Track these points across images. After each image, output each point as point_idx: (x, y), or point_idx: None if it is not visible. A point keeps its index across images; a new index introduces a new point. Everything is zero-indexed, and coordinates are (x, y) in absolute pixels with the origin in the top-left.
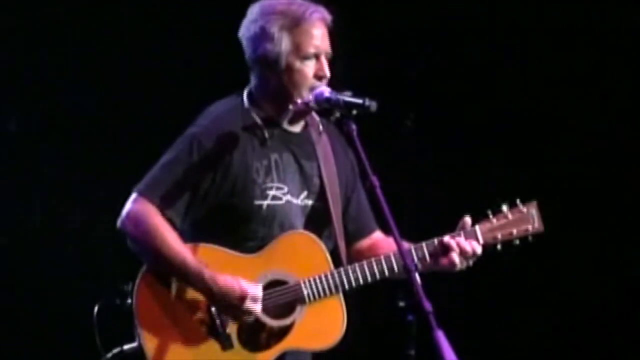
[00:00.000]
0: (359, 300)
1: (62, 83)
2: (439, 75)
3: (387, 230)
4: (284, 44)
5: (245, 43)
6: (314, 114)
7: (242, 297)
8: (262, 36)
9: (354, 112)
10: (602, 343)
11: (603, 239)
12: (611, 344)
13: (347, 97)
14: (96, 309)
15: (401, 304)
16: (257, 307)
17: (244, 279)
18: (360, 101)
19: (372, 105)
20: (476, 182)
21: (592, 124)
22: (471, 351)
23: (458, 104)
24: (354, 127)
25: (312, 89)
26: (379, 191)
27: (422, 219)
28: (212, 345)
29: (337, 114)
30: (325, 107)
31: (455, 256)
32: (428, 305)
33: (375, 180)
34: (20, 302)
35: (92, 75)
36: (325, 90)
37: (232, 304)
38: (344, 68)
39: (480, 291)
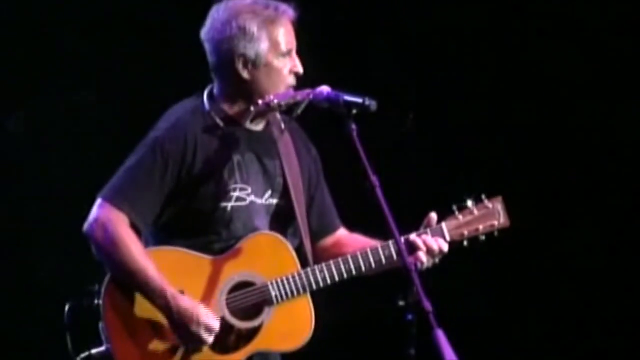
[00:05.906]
0: (359, 301)
1: (63, 83)
2: (439, 74)
3: (387, 231)
4: (264, 42)
5: (214, 45)
6: (275, 113)
7: (198, 324)
8: (240, 36)
9: (354, 111)
10: (602, 342)
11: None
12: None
13: (346, 96)
14: (67, 308)
15: (401, 303)
16: (209, 338)
17: (204, 306)
18: (360, 100)
19: (372, 104)
20: (476, 182)
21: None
22: (471, 351)
23: (458, 103)
24: (354, 127)
25: (287, 86)
26: (379, 191)
27: (421, 219)
28: (181, 349)
29: (300, 111)
30: (323, 107)
31: (422, 255)
32: (428, 305)
33: (375, 180)
34: None
35: (92, 75)
36: (324, 89)
37: (187, 327)
38: (344, 67)
39: (480, 291)
